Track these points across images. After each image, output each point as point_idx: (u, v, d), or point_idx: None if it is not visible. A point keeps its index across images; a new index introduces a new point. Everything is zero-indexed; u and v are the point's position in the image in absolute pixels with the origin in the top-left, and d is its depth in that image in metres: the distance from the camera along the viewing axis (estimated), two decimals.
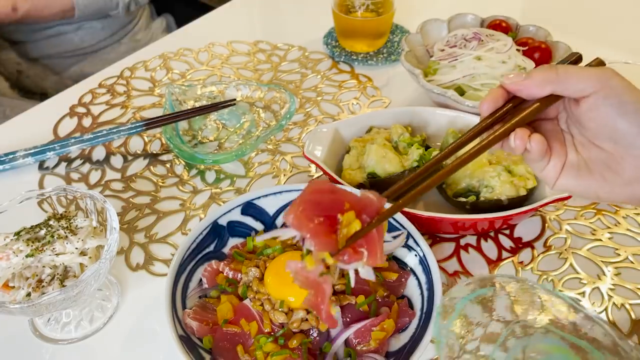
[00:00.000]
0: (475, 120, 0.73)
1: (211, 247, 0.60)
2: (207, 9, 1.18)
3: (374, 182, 0.67)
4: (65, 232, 0.55)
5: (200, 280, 0.58)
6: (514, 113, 0.43)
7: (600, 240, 0.66)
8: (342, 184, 0.64)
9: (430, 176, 0.42)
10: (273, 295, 0.53)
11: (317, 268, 0.40)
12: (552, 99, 0.42)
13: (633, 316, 0.58)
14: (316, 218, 0.39)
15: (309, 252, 0.40)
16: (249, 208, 0.63)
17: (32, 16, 1.12)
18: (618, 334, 0.46)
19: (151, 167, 0.78)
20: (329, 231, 0.39)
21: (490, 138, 0.43)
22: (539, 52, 0.85)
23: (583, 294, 0.61)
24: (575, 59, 0.46)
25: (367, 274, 0.41)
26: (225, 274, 0.57)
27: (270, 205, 0.63)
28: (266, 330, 0.52)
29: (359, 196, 0.41)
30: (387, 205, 0.42)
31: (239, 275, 0.57)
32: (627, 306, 0.59)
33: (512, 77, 0.42)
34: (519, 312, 0.48)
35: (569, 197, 0.62)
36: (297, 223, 0.39)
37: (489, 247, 0.66)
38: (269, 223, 0.64)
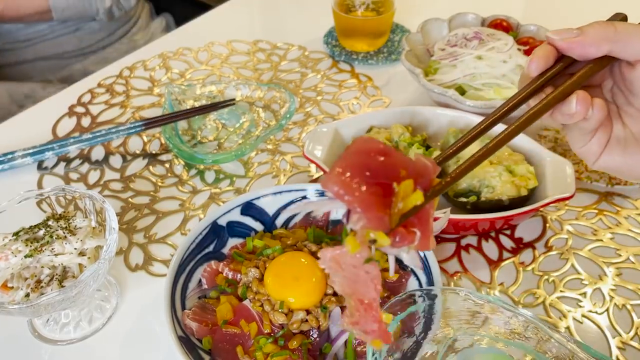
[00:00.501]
0: (477, 120, 0.72)
1: (210, 248, 0.60)
2: (206, 8, 1.18)
3: None
4: (64, 233, 0.54)
5: (200, 280, 0.58)
6: (564, 76, 0.37)
7: (602, 240, 0.66)
8: None
9: (484, 139, 0.36)
10: (273, 296, 0.53)
11: (362, 254, 0.32)
12: (606, 60, 0.37)
13: (634, 317, 0.58)
14: (367, 186, 0.31)
15: (350, 231, 0.32)
16: (249, 208, 0.62)
17: (8, 16, 1.13)
18: (560, 336, 0.45)
19: (150, 167, 0.77)
20: (383, 204, 0.31)
21: (547, 100, 0.36)
22: None
23: (584, 294, 0.60)
24: (620, 20, 0.40)
25: (413, 260, 0.34)
26: (224, 274, 0.57)
27: (270, 206, 0.63)
28: (266, 331, 0.51)
29: (413, 161, 0.33)
30: None
31: (239, 275, 0.56)
32: (629, 307, 0.59)
33: (562, 33, 0.37)
34: (455, 326, 0.46)
35: (571, 197, 0.61)
36: (344, 191, 0.31)
37: (490, 248, 0.65)
38: (269, 223, 0.63)
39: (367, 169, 0.31)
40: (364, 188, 0.31)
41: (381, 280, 0.34)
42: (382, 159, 0.32)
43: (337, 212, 0.63)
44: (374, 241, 0.31)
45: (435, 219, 0.36)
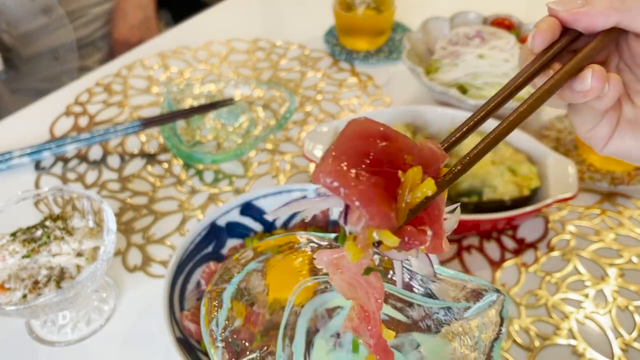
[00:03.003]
0: None
1: (209, 249, 0.59)
2: (205, 5, 1.17)
3: None
4: (61, 233, 0.54)
5: (199, 281, 0.57)
6: (568, 53, 0.34)
7: (604, 241, 0.65)
8: None
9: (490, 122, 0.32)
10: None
11: (364, 260, 0.27)
12: (615, 33, 0.34)
13: (637, 318, 0.58)
14: (368, 176, 0.26)
15: (348, 235, 0.27)
16: (248, 208, 0.62)
17: None
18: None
19: (149, 167, 0.77)
20: (387, 197, 0.26)
21: (559, 76, 0.33)
22: None
23: (587, 295, 0.60)
24: None
25: (424, 266, 0.29)
26: None
27: (269, 206, 0.62)
28: None
29: (419, 146, 0.28)
30: None
31: None
32: (631, 308, 0.58)
33: (566, 3, 0.33)
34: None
35: (573, 197, 0.61)
36: (339, 183, 0.25)
37: (492, 248, 0.65)
38: (268, 224, 0.63)
39: (365, 155, 0.26)
40: (363, 178, 0.26)
41: (384, 293, 0.29)
42: (383, 143, 0.27)
43: (334, 211, 0.62)
44: (378, 243, 0.26)
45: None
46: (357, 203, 0.25)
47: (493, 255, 0.64)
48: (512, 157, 0.67)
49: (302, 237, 0.40)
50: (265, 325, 0.39)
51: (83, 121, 0.86)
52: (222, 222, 0.60)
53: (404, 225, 0.27)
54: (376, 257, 0.29)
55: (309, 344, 0.38)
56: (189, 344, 0.51)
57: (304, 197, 0.62)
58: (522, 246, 0.65)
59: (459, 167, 0.29)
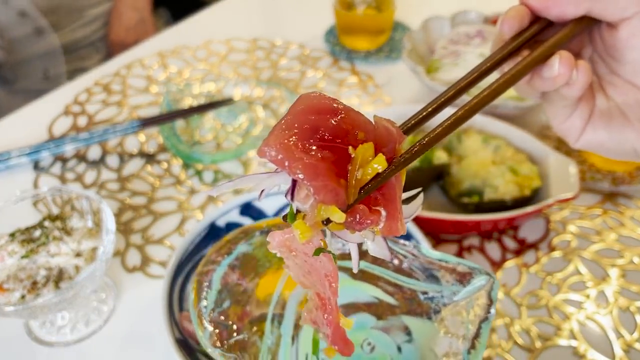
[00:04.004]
0: (479, 118, 0.72)
1: (209, 249, 0.59)
2: (204, 4, 1.17)
3: None
4: (60, 233, 0.54)
5: None
6: (538, 40, 0.34)
7: (605, 241, 0.65)
8: None
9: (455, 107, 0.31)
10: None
11: (314, 240, 0.26)
12: (585, 22, 0.34)
13: (638, 319, 0.57)
14: (316, 150, 0.25)
15: (297, 213, 0.26)
16: (248, 209, 0.62)
17: None
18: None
19: (148, 167, 0.77)
20: (337, 172, 0.25)
21: (525, 62, 0.32)
22: None
23: (588, 296, 0.60)
24: None
25: (380, 249, 0.28)
26: None
27: (269, 206, 0.62)
28: None
29: (372, 124, 0.27)
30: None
31: None
32: (632, 309, 0.58)
33: None
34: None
35: (575, 197, 0.60)
36: (284, 157, 0.25)
37: (493, 249, 0.65)
38: None
39: (316, 131, 0.25)
40: (312, 153, 0.24)
41: (338, 277, 0.28)
42: (335, 118, 0.26)
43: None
44: (327, 221, 0.25)
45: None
46: (301, 176, 0.24)
47: (494, 255, 0.64)
48: (513, 157, 0.67)
49: None
50: (254, 307, 0.38)
51: (82, 121, 0.85)
52: (221, 223, 0.60)
53: (356, 204, 0.26)
54: (339, 244, 0.28)
55: (297, 327, 0.38)
56: (189, 345, 0.50)
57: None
58: (523, 246, 0.65)
59: (416, 148, 0.28)
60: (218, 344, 0.35)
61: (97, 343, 0.56)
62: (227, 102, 0.81)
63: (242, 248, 0.41)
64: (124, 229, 0.68)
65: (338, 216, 0.25)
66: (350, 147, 0.26)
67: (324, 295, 0.28)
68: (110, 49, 1.20)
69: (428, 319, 0.38)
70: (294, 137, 0.25)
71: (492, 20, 0.91)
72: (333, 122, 0.26)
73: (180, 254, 0.56)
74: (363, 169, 0.25)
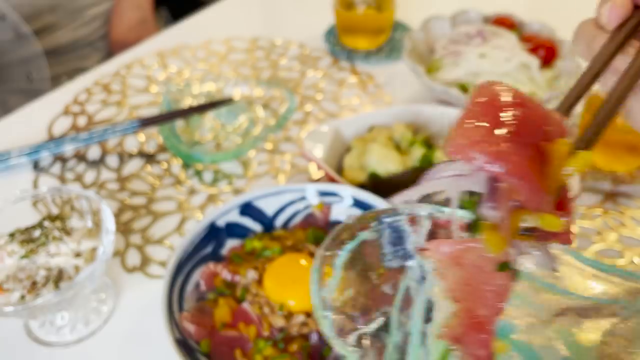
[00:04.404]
0: None
1: (209, 249, 0.59)
2: (204, 4, 1.17)
3: (376, 182, 0.66)
4: (60, 234, 0.54)
5: (198, 282, 0.57)
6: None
7: (606, 241, 0.65)
8: (343, 183, 0.63)
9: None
10: (272, 298, 0.52)
11: (501, 254, 0.22)
12: None
13: None
14: (518, 147, 0.21)
15: (481, 221, 0.22)
16: (248, 209, 0.61)
17: None
18: None
19: (148, 167, 0.76)
20: (538, 173, 0.21)
21: None
22: (544, 49, 0.84)
23: None
24: None
25: (546, 261, 0.24)
26: (223, 276, 0.56)
27: (269, 206, 0.62)
28: (265, 334, 0.50)
29: (550, 114, 0.24)
30: None
31: (237, 277, 0.56)
32: None
33: None
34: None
35: (575, 197, 0.60)
36: (492, 157, 0.21)
37: None
38: (268, 224, 0.62)
39: (505, 125, 0.22)
40: (516, 150, 0.21)
41: (509, 296, 0.24)
42: (519, 111, 0.22)
43: (334, 211, 0.62)
44: (531, 230, 0.21)
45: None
46: (514, 181, 0.20)
47: None
48: None
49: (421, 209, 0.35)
50: (379, 300, 0.34)
51: (82, 121, 0.85)
52: (221, 223, 0.60)
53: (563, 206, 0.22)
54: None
55: (427, 321, 0.32)
56: (188, 345, 0.50)
57: (304, 197, 0.62)
58: None
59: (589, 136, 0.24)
60: (343, 334, 0.31)
61: (96, 343, 0.56)
62: (227, 102, 0.81)
63: (364, 235, 0.37)
64: (123, 229, 0.68)
65: (555, 224, 0.21)
66: (542, 143, 0.22)
67: (484, 314, 0.24)
68: (111, 48, 1.20)
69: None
70: (493, 133, 0.21)
71: (493, 20, 0.91)
72: (519, 114, 0.22)
73: (180, 254, 0.56)
74: (559, 168, 0.22)
